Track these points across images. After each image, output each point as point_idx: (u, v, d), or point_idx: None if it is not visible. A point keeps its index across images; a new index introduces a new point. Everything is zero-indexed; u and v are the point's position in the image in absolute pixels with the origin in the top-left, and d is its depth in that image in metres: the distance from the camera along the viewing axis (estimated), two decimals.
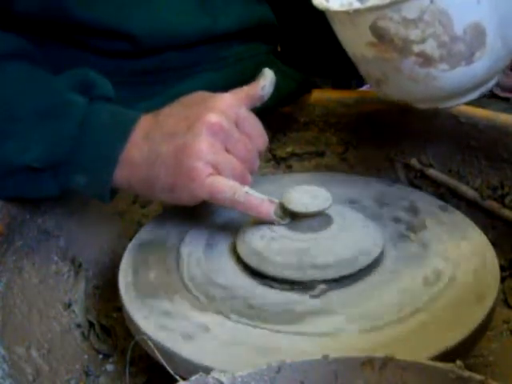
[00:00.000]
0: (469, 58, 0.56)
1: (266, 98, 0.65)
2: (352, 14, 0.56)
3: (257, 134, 0.62)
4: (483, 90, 0.61)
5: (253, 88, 0.64)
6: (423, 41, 0.55)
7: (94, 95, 0.62)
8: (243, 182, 0.60)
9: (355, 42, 0.59)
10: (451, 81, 0.57)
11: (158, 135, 0.60)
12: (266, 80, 0.65)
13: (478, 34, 0.55)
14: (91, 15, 0.68)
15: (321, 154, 0.84)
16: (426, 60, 0.56)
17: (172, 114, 0.61)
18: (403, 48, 0.56)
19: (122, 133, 0.60)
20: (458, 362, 0.39)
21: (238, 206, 0.60)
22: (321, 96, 0.84)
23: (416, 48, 0.55)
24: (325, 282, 0.57)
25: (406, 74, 0.57)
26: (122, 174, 0.60)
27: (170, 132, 0.59)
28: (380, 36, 0.56)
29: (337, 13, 0.58)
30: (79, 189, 0.62)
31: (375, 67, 0.59)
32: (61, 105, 0.60)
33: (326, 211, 0.61)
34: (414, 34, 0.55)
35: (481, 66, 0.57)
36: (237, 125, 0.61)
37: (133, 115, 0.62)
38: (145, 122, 0.61)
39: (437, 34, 0.54)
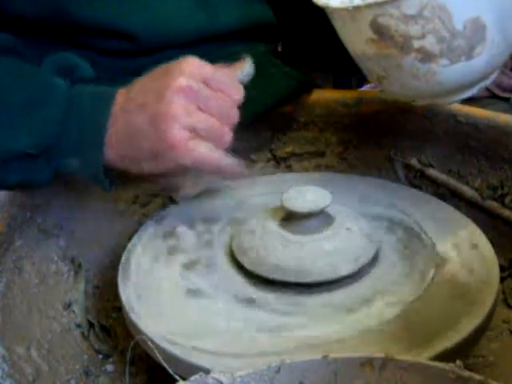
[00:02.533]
0: (469, 53, 0.56)
1: (243, 83, 0.65)
2: (352, 11, 0.56)
3: (229, 87, 0.63)
4: (483, 84, 0.61)
5: (233, 69, 0.65)
6: (423, 36, 0.55)
7: (75, 78, 0.63)
8: (223, 138, 0.61)
9: (355, 39, 0.59)
10: (452, 76, 0.57)
11: (133, 107, 0.60)
12: (246, 65, 0.66)
13: (477, 29, 0.55)
14: (90, 14, 0.68)
15: (321, 154, 0.84)
16: (427, 56, 0.56)
17: (143, 86, 0.62)
18: (403, 44, 0.56)
19: (103, 114, 0.61)
20: (458, 362, 0.39)
21: (219, 174, 0.62)
22: (321, 96, 0.84)
23: (416, 44, 0.55)
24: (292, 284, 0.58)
25: (406, 69, 0.57)
26: (109, 152, 0.61)
27: (142, 103, 0.60)
28: (380, 33, 0.56)
29: (336, 10, 0.58)
30: (74, 172, 0.62)
31: (376, 64, 0.59)
32: (45, 91, 0.61)
33: (326, 211, 0.61)
34: (413, 29, 0.55)
35: (481, 60, 0.56)
36: (207, 83, 0.61)
37: (109, 93, 0.62)
38: (120, 97, 0.62)
39: (436, 30, 0.54)
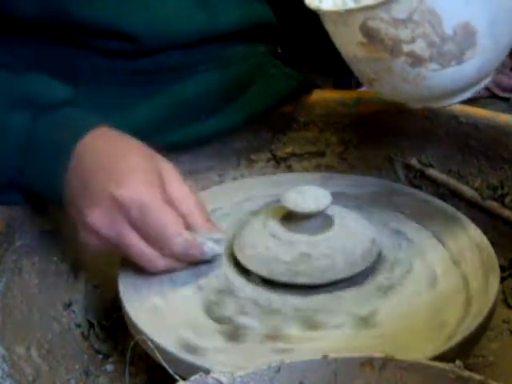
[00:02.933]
0: (459, 58, 0.56)
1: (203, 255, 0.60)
2: (342, 14, 0.56)
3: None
4: (476, 89, 0.61)
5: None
6: (413, 41, 0.55)
7: (40, 106, 0.62)
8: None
9: (346, 42, 0.59)
10: (442, 81, 0.57)
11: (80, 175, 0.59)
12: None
13: (467, 34, 0.54)
14: (90, 14, 0.68)
15: (321, 154, 0.84)
16: (416, 60, 0.56)
17: (97, 164, 0.59)
18: (393, 48, 0.56)
19: (62, 159, 0.60)
20: (458, 362, 0.39)
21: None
22: (321, 96, 0.84)
23: (406, 48, 0.55)
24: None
25: (396, 73, 0.57)
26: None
27: (83, 185, 0.58)
28: (370, 36, 0.56)
29: (327, 13, 0.58)
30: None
31: (367, 67, 0.59)
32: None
33: (326, 212, 0.61)
34: (403, 33, 0.55)
35: (472, 65, 0.56)
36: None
37: (72, 138, 0.60)
38: (79, 153, 0.60)
39: (426, 34, 0.54)
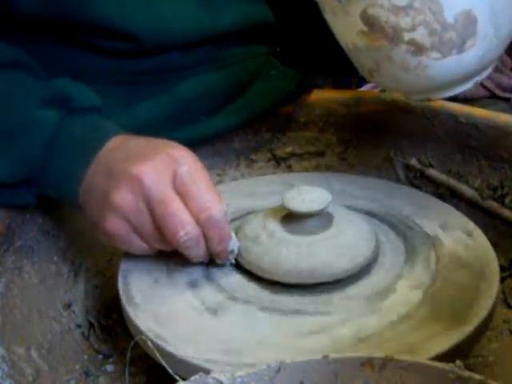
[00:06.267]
0: (460, 47, 0.55)
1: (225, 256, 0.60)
2: (343, 3, 0.56)
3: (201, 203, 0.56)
4: (477, 80, 0.61)
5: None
6: (414, 28, 0.54)
7: (71, 107, 0.62)
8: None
9: (347, 32, 0.59)
10: (443, 70, 0.57)
11: (112, 164, 0.58)
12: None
13: (469, 22, 0.54)
14: (92, 14, 0.68)
15: (321, 154, 0.84)
16: (417, 48, 0.55)
17: (126, 153, 0.59)
18: (394, 36, 0.55)
19: (88, 155, 0.60)
20: (458, 362, 0.39)
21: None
22: (321, 96, 0.84)
23: (407, 36, 0.55)
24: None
25: (397, 62, 0.57)
26: (81, 191, 0.60)
27: (112, 167, 0.58)
28: (371, 24, 0.55)
29: (327, 1, 0.58)
30: (54, 199, 0.63)
31: (367, 56, 0.59)
32: (27, 124, 0.60)
33: (326, 211, 0.61)
34: (404, 21, 0.54)
35: (472, 54, 0.56)
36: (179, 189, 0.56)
37: (103, 135, 0.61)
38: (112, 144, 0.60)
39: (427, 22, 0.54)
